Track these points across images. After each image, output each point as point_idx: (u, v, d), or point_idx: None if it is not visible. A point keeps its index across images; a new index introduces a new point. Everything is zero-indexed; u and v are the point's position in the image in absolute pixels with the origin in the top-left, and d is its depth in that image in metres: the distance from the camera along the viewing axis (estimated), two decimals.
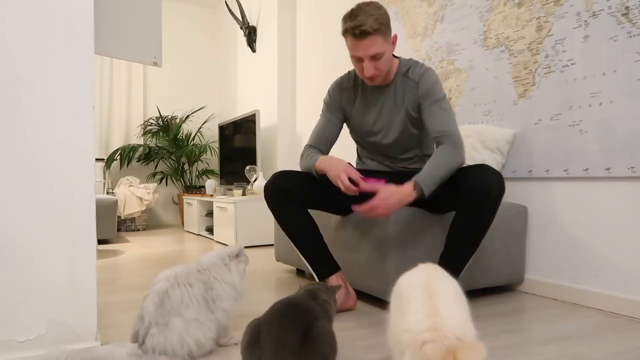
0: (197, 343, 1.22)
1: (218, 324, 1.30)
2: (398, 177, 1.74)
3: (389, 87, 1.78)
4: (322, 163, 1.72)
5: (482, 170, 1.54)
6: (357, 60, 1.67)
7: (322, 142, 1.86)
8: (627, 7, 1.67)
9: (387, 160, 1.89)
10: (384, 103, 1.79)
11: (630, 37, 1.66)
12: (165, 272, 1.28)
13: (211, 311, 1.29)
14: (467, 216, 1.55)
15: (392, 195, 1.49)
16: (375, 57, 1.63)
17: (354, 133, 1.94)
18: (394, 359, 0.93)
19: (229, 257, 1.39)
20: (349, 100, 1.86)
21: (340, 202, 1.81)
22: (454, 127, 1.64)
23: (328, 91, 1.90)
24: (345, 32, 1.64)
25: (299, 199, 1.74)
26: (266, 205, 1.60)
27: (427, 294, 0.90)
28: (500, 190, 1.52)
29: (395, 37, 1.70)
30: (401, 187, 1.51)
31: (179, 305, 1.21)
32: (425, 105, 1.69)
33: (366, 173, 1.81)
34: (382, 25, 1.60)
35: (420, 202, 1.59)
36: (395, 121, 1.78)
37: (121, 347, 1.17)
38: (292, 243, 1.79)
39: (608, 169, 1.73)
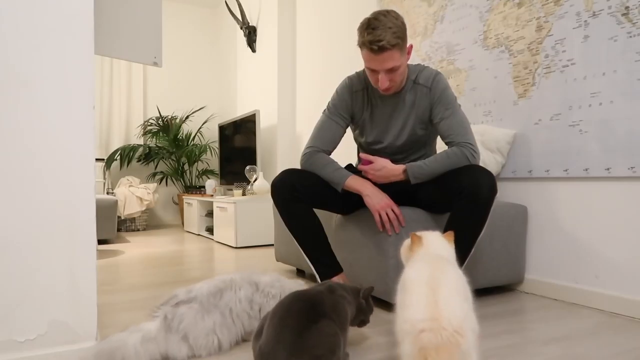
0: (219, 343, 1.29)
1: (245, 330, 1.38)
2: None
3: (400, 94, 1.75)
4: (359, 186, 1.69)
5: (473, 171, 1.54)
6: (372, 71, 1.65)
7: (329, 144, 1.81)
8: (627, 7, 1.67)
9: (392, 161, 1.89)
10: (395, 110, 1.77)
11: (630, 37, 1.66)
12: (222, 275, 1.41)
13: (249, 317, 1.37)
14: (459, 217, 1.55)
15: (382, 169, 1.66)
16: (391, 70, 1.61)
17: (360, 137, 1.90)
18: (400, 349, 0.94)
19: None
20: (360, 104, 1.81)
21: (346, 203, 1.81)
22: (466, 131, 1.64)
23: (337, 91, 1.84)
24: (361, 45, 1.60)
25: (305, 198, 1.72)
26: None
27: (429, 286, 0.92)
28: (492, 191, 1.52)
29: (411, 46, 1.68)
30: (393, 165, 1.66)
31: (225, 307, 1.32)
32: (438, 109, 1.69)
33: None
34: (399, 39, 1.57)
35: (414, 193, 1.70)
36: (405, 128, 1.77)
37: (135, 332, 1.19)
38: (295, 242, 1.78)
39: (608, 169, 1.73)
